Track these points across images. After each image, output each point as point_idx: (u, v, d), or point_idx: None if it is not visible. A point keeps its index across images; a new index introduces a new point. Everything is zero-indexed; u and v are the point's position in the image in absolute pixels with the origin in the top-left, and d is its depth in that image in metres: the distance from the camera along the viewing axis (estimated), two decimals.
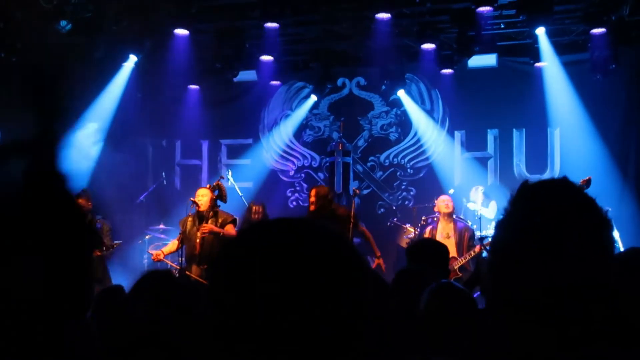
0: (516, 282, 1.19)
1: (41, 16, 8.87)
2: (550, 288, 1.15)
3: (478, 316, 2.68)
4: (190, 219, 7.62)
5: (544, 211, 1.20)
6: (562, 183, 1.24)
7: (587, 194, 1.23)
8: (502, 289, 1.22)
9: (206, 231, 7.35)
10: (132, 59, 10.49)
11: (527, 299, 1.18)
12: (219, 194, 7.58)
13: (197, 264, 7.35)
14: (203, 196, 7.52)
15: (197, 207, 7.54)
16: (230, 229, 7.43)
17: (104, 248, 8.33)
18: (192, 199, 7.75)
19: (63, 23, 8.92)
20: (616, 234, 8.62)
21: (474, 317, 2.66)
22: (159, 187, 11.14)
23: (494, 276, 1.23)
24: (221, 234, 7.34)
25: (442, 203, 8.53)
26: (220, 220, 7.51)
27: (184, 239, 7.62)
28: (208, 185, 7.74)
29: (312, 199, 8.06)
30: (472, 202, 9.51)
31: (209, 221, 7.45)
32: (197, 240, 7.36)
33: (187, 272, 7.37)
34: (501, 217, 1.30)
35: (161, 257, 7.75)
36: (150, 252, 8.28)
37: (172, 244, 7.93)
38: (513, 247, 1.21)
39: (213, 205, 7.53)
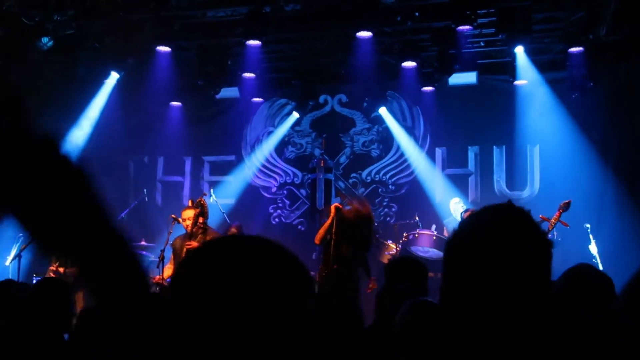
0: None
1: (23, 33, 8.85)
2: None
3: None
4: (179, 240, 7.68)
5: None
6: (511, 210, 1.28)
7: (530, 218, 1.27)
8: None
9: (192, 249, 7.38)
10: (114, 75, 10.47)
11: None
12: (202, 211, 7.60)
13: None
14: (189, 219, 7.55)
15: (183, 225, 7.61)
16: None
17: None
18: (173, 215, 7.75)
19: (45, 40, 8.91)
20: (594, 249, 8.70)
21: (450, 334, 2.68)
22: (141, 203, 11.08)
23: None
24: None
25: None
26: (208, 238, 7.47)
27: (176, 258, 7.66)
28: (190, 202, 7.72)
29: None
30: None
31: (198, 237, 7.50)
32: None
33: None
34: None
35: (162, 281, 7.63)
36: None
37: (169, 269, 7.75)
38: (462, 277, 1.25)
39: (196, 221, 7.55)
